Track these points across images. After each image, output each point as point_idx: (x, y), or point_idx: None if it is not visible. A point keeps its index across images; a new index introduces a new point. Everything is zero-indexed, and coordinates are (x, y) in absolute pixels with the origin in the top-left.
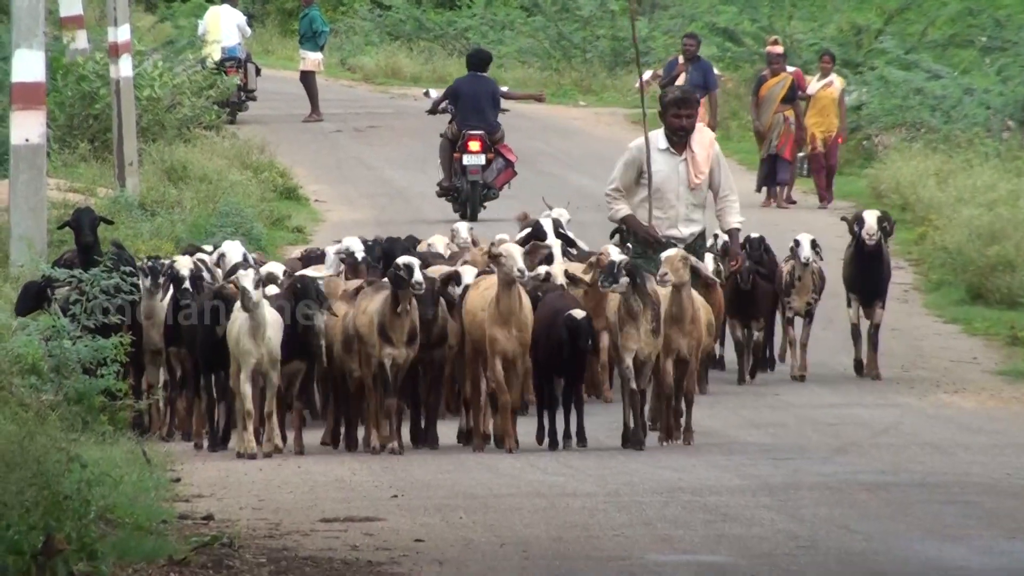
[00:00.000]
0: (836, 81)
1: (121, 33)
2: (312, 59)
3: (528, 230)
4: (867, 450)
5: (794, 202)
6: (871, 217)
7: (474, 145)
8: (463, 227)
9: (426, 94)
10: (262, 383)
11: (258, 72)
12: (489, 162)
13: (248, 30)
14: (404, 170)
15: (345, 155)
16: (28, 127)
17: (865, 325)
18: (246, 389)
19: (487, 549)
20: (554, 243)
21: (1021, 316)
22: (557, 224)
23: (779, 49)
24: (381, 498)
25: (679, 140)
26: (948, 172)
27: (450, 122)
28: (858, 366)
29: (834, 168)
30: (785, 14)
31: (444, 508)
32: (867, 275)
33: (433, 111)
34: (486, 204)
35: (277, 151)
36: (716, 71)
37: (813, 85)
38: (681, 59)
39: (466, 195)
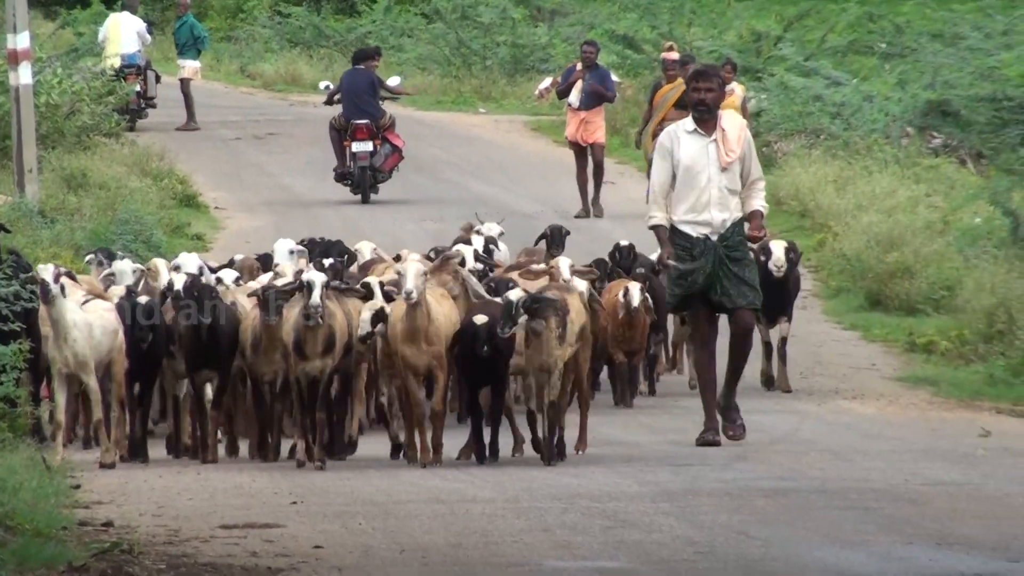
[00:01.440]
0: (737, 89)
1: (20, 40)
2: (191, 67)
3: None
4: (766, 456)
5: None
6: (779, 249)
7: (360, 134)
8: (366, 247)
9: (326, 88)
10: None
11: (158, 79)
12: (376, 148)
13: (148, 37)
14: (303, 177)
15: (244, 162)
16: None
17: (773, 339)
18: (59, 398)
19: (386, 556)
20: (467, 252)
21: (919, 322)
22: (490, 241)
23: (674, 55)
24: (281, 504)
25: (703, 117)
26: (847, 179)
27: (339, 113)
28: (768, 380)
29: None
30: (685, 21)
31: (343, 515)
32: (770, 296)
33: (329, 102)
34: (379, 187)
35: (176, 158)
36: (616, 78)
37: None
38: (579, 66)
39: (358, 180)
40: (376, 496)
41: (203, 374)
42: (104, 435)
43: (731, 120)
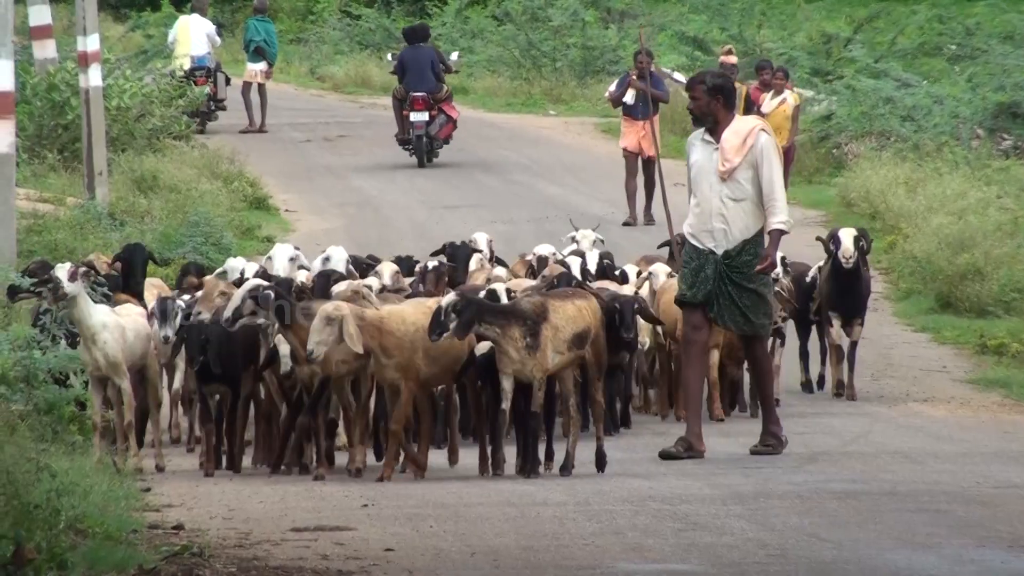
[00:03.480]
0: (789, 97)
1: (90, 43)
2: (249, 70)
3: (574, 245)
4: (837, 459)
5: None
6: (847, 238)
7: (418, 105)
8: (482, 238)
9: (392, 58)
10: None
11: (228, 82)
12: (433, 118)
13: (217, 39)
14: (374, 179)
15: (315, 164)
16: None
17: (844, 342)
18: (94, 400)
19: (457, 558)
20: (573, 263)
21: (990, 325)
22: (605, 256)
23: (732, 59)
24: (351, 507)
25: (696, 126)
26: (917, 180)
27: (399, 84)
28: (839, 387)
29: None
30: (755, 23)
31: (414, 517)
32: (845, 293)
33: (394, 73)
34: (437, 152)
35: (247, 161)
36: (683, 78)
37: (768, 103)
38: (635, 75)
39: (415, 146)
40: (447, 499)
41: (212, 387)
42: (130, 441)
43: (738, 126)
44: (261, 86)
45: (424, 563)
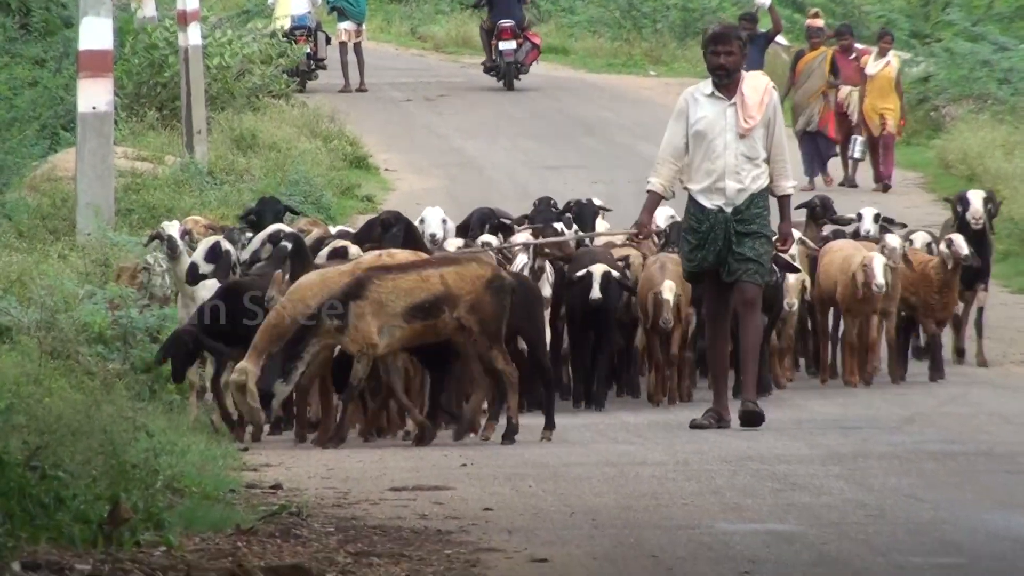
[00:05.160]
0: (893, 61)
1: (190, 1)
2: (338, 30)
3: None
4: (935, 420)
5: (855, 185)
6: (976, 199)
7: (506, 34)
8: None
9: None
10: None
11: (328, 41)
12: (519, 46)
13: None
14: (474, 139)
15: (415, 124)
16: (95, 95)
17: (970, 309)
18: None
19: (556, 518)
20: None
21: None
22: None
23: (819, 23)
24: (450, 467)
25: (722, 81)
26: (1015, 143)
27: (486, 16)
28: (960, 353)
29: (890, 147)
30: None
31: (513, 477)
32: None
33: (477, 6)
34: (520, 77)
35: (347, 120)
36: (784, 41)
37: (871, 65)
38: None
39: (503, 71)
40: (546, 459)
41: (237, 352)
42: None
43: (754, 82)
44: (356, 45)
45: (523, 522)
